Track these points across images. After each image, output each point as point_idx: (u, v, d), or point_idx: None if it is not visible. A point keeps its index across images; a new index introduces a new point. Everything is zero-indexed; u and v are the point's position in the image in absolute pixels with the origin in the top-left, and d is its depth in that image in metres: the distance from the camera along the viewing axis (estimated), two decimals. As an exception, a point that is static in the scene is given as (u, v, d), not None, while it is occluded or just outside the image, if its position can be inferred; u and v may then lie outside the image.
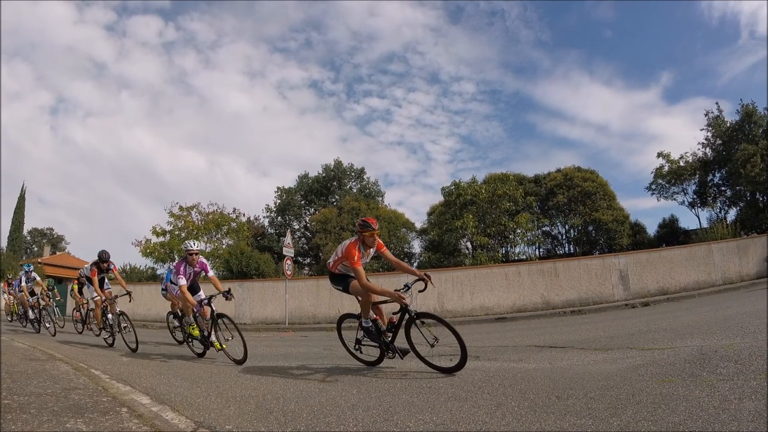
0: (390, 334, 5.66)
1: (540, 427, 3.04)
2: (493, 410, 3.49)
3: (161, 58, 75.91)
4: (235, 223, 36.05)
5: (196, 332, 7.84)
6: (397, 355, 5.54)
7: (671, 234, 37.33)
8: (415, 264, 39.99)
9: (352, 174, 46.18)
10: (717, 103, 37.41)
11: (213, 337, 7.46)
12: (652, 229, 39.94)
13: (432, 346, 5.18)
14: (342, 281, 6.00)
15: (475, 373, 5.04)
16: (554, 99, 74.43)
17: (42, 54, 75.27)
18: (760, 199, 33.06)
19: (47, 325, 12.74)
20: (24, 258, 47.62)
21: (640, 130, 65.94)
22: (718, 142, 35.64)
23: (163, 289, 10.53)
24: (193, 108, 79.74)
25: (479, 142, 73.08)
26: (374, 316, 5.80)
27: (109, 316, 9.64)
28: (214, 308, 7.37)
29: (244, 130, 79.11)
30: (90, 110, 79.17)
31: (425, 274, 5.49)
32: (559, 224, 40.87)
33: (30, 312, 13.84)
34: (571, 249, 40.12)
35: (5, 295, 18.85)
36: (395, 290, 5.40)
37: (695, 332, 6.54)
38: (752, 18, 59.50)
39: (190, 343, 8.11)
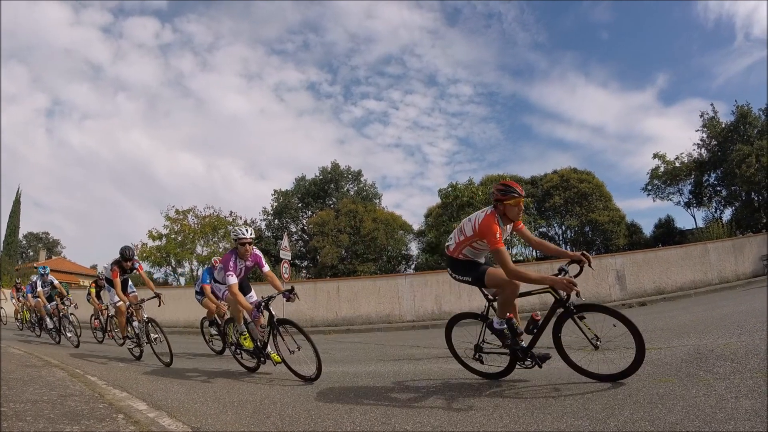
0: (528, 337, 4.45)
1: (537, 428, 3.05)
2: (491, 412, 3.49)
3: (158, 60, 75.86)
4: (231, 227, 35.99)
5: (249, 343, 6.30)
6: (535, 363, 4.37)
7: (667, 234, 37.52)
8: (413, 266, 40.09)
9: (350, 176, 46.23)
10: (712, 105, 37.83)
11: (269, 348, 5.99)
12: (648, 229, 40.17)
13: (596, 347, 4.04)
14: (471, 270, 4.73)
15: (472, 376, 5.03)
16: (551, 101, 74.73)
17: (38, 56, 75.21)
18: (756, 198, 33.26)
19: (68, 334, 11.07)
20: (19, 263, 47.44)
21: (635, 132, 66.37)
22: (714, 142, 35.89)
23: (197, 293, 9.43)
24: (190, 110, 79.72)
25: (476, 144, 73.31)
26: (508, 314, 4.56)
27: (135, 323, 8.31)
28: (273, 313, 5.86)
29: (241, 133, 79.14)
30: (86, 113, 79.05)
31: (582, 254, 4.25)
32: (555, 225, 41.05)
33: (48, 320, 12.04)
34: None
35: (13, 301, 17.91)
36: (553, 275, 4.22)
37: (692, 331, 6.55)
38: (747, 20, 60.13)
39: (238, 355, 6.57)
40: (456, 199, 32.19)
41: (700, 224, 35.68)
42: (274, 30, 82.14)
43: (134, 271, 8.90)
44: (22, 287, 16.74)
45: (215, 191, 71.94)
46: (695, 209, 37.87)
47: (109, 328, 11.73)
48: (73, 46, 73.38)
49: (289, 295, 5.82)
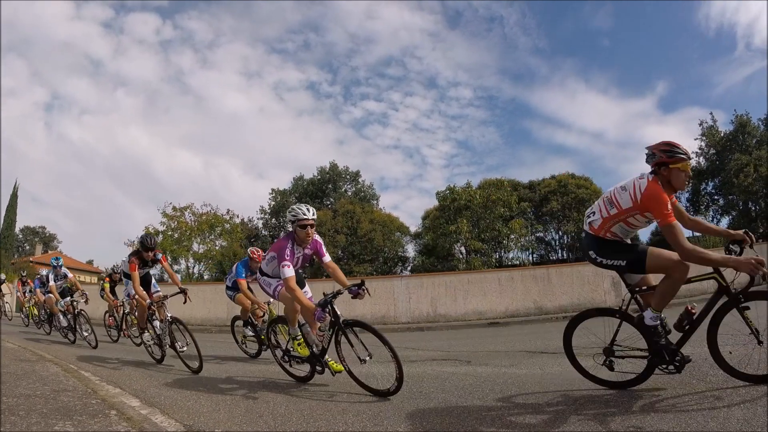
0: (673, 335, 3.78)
1: (529, 433, 3.05)
2: (483, 416, 3.49)
3: (158, 56, 75.72)
4: (228, 225, 36.01)
5: (304, 350, 5.21)
6: (679, 367, 3.77)
7: (664, 241, 37.53)
8: (409, 268, 40.11)
9: (348, 177, 46.30)
10: (711, 113, 37.94)
11: (329, 355, 5.05)
12: (644, 236, 40.05)
13: (760, 342, 3.47)
14: (625, 252, 3.85)
15: (465, 378, 5.04)
16: (551, 106, 74.96)
17: (38, 50, 74.98)
18: (753, 208, 33.37)
19: (84, 333, 9.91)
20: (16, 257, 47.31)
21: (635, 138, 66.52)
22: (712, 151, 36.02)
23: (228, 288, 8.17)
24: (189, 108, 79.55)
25: (475, 148, 73.31)
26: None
27: (157, 323, 7.11)
28: (339, 313, 4.81)
29: (240, 131, 79.00)
30: (85, 108, 78.91)
31: (746, 232, 3.67)
32: (552, 230, 41.12)
33: (62, 318, 10.60)
34: (564, 255, 40.34)
35: (18, 294, 17.04)
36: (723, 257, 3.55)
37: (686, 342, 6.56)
38: (749, 29, 60.34)
39: (286, 363, 5.54)
40: (453, 202, 32.25)
41: (697, 233, 35.79)
42: (274, 29, 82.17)
43: (157, 263, 7.82)
44: (29, 281, 15.95)
45: (213, 189, 71.98)
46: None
47: (124, 327, 10.97)
48: (73, 41, 73.34)
49: (358, 290, 4.80)
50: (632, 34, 69.78)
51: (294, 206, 5.05)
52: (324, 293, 4.73)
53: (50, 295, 10.79)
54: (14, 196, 46.46)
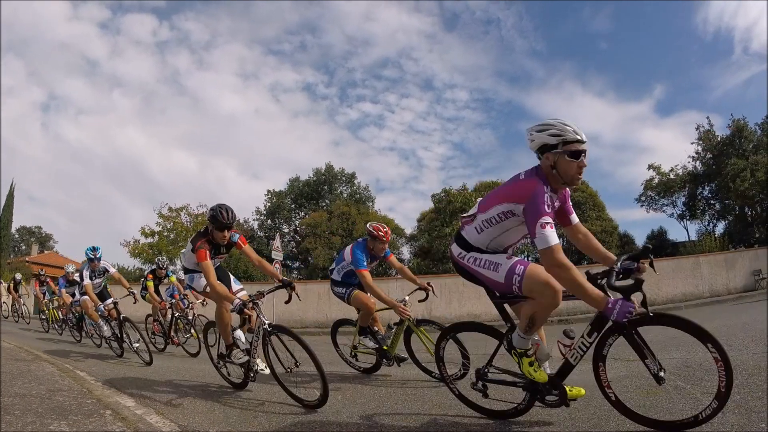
0: None
1: (524, 436, 3.05)
2: (477, 419, 3.51)
3: (154, 57, 75.40)
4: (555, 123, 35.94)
5: (542, 375, 3.28)
6: None
7: (660, 246, 37.65)
8: (406, 270, 40.04)
9: (343, 178, 46.23)
10: (708, 117, 37.90)
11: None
12: (640, 240, 40.24)
13: None
14: None
15: (461, 381, 5.04)
16: (547, 109, 74.66)
17: (35, 50, 74.66)
18: (749, 213, 33.46)
19: (134, 344, 7.76)
20: (12, 257, 47.11)
21: (631, 142, 66.39)
22: (709, 156, 36.03)
23: (336, 284, 5.99)
24: (185, 108, 79.14)
25: (471, 150, 73.15)
26: None
27: (239, 334, 5.11)
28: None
29: (236, 132, 78.72)
30: (82, 108, 78.35)
31: None
32: (548, 234, 41.09)
33: (103, 325, 8.35)
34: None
35: (36, 293, 15.72)
36: None
37: (680, 344, 6.54)
38: (746, 34, 60.42)
39: (476, 389, 3.49)
40: (449, 204, 32.31)
41: (693, 237, 35.94)
42: (272, 30, 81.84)
43: (233, 247, 5.27)
44: (49, 280, 14.71)
45: (209, 190, 71.48)
46: (688, 222, 38.11)
47: (172, 333, 9.26)
48: (70, 41, 72.93)
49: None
50: (630, 36, 69.84)
51: (551, 120, 3.07)
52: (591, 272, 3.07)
53: (85, 297, 8.39)
54: (11, 196, 46.18)
